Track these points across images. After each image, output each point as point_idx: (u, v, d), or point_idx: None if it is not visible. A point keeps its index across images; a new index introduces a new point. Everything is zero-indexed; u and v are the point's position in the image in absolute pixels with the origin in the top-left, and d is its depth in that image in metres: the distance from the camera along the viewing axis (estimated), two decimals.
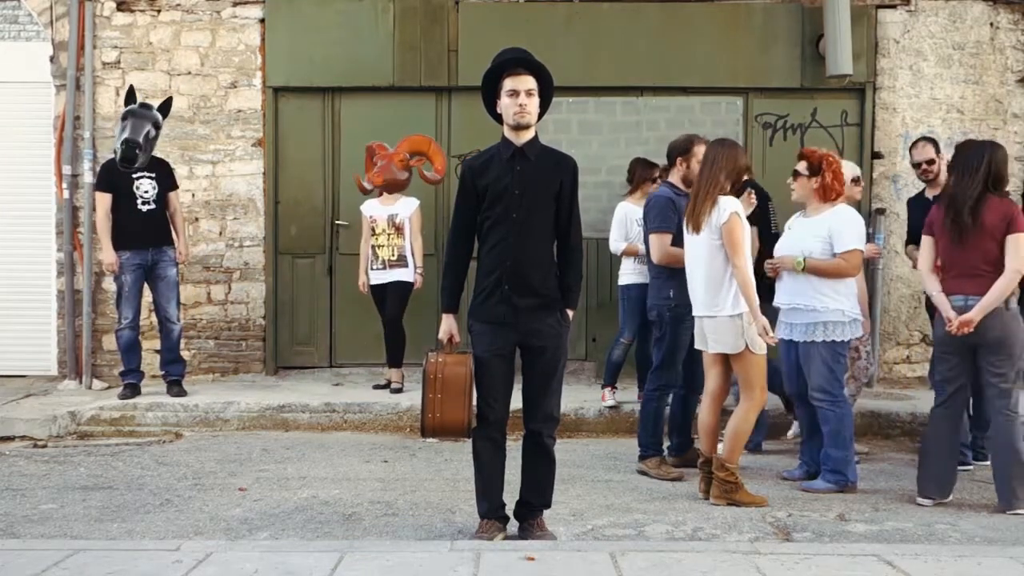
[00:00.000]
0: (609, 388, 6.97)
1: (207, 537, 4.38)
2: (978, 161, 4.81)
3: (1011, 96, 8.10)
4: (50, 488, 5.32)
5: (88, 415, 6.90)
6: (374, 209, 7.38)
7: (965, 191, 4.80)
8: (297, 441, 6.54)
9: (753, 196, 5.68)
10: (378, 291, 7.38)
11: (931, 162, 6.09)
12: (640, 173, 7.06)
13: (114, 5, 8.12)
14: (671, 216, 5.44)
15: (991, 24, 8.08)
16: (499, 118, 4.25)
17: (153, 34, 8.17)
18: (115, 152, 7.09)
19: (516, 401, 4.29)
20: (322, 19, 8.09)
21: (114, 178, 7.12)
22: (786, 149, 7.90)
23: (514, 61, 4.19)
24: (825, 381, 5.22)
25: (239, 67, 8.17)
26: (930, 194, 6.08)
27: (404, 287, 7.28)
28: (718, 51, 8.03)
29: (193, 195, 8.14)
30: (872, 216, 7.60)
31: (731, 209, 4.83)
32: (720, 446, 5.05)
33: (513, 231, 4.15)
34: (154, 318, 7.53)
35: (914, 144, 6.36)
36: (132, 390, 7.20)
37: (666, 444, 5.79)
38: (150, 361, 7.75)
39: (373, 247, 7.33)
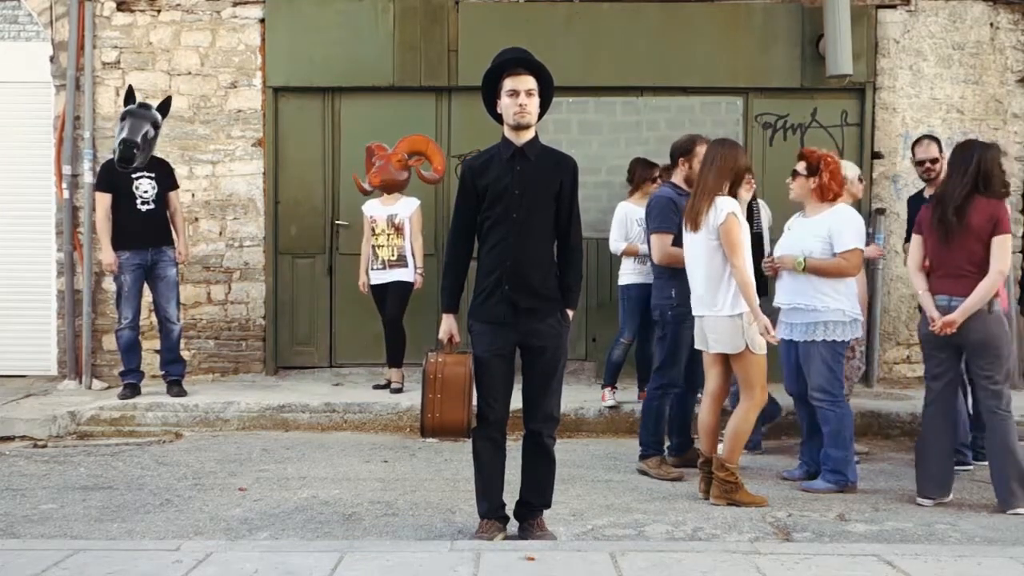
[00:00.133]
0: (609, 388, 6.97)
1: (207, 537, 4.38)
2: (968, 162, 4.83)
3: (1011, 96, 8.10)
4: (50, 488, 5.32)
5: (88, 415, 6.90)
6: (374, 209, 7.38)
7: (953, 191, 4.83)
8: (297, 441, 6.54)
9: (753, 181, 5.69)
10: (378, 291, 7.38)
11: (934, 161, 6.10)
12: (640, 173, 7.06)
13: (114, 5, 8.12)
14: (672, 216, 5.44)
15: (991, 24, 8.08)
16: (499, 118, 4.25)
17: (153, 34, 8.17)
18: (114, 152, 7.09)
19: (516, 401, 4.29)
20: (322, 19, 8.09)
21: (114, 178, 7.12)
22: (786, 149, 7.90)
23: (514, 61, 4.19)
24: (825, 381, 5.22)
25: (239, 67, 8.17)
26: (929, 193, 6.09)
27: (404, 287, 7.28)
28: (718, 51, 8.03)
29: (193, 195, 8.14)
30: (872, 216, 7.60)
31: (728, 209, 4.83)
32: (720, 446, 5.05)
33: (513, 231, 4.15)
34: (154, 318, 7.52)
35: (917, 141, 6.36)
36: (132, 390, 7.20)
37: (666, 444, 5.79)
38: (150, 361, 7.75)
39: (373, 247, 7.33)
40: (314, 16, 8.10)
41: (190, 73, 8.18)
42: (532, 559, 3.68)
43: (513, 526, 4.37)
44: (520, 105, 4.12)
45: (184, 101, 8.11)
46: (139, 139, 6.96)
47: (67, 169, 8.03)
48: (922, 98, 8.09)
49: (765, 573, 3.54)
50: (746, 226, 4.94)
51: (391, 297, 7.28)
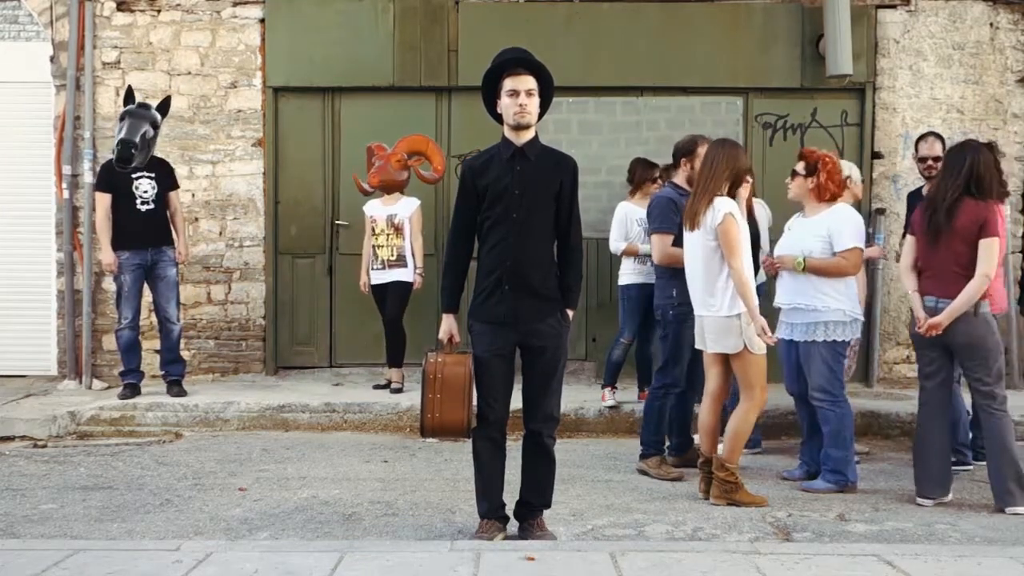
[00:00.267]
0: (609, 388, 6.97)
1: (207, 537, 4.38)
2: (960, 164, 4.85)
3: (1011, 96, 8.10)
4: (50, 488, 5.32)
5: (88, 415, 6.90)
6: (375, 209, 7.39)
7: (944, 193, 4.85)
8: (297, 441, 6.54)
9: (751, 181, 5.70)
10: (379, 291, 7.38)
11: (937, 159, 6.09)
12: (640, 173, 7.06)
13: (114, 5, 8.12)
14: (672, 217, 5.44)
15: (991, 24, 8.08)
16: (499, 118, 4.25)
17: (153, 34, 8.17)
18: (113, 152, 7.09)
19: (516, 401, 4.29)
20: (322, 19, 8.09)
21: (113, 178, 7.11)
22: (786, 149, 7.90)
23: (514, 61, 4.19)
24: (825, 381, 5.22)
25: (239, 67, 8.17)
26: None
27: (403, 287, 7.28)
28: (718, 51, 8.03)
29: (193, 195, 8.14)
30: (872, 216, 7.60)
31: (726, 210, 4.83)
32: (720, 446, 5.05)
33: (513, 231, 4.15)
34: (154, 318, 7.52)
35: (922, 137, 6.35)
36: (132, 390, 7.19)
37: (666, 444, 5.79)
38: (150, 361, 7.75)
39: (373, 247, 7.33)
40: (314, 16, 8.10)
41: (190, 73, 8.18)
42: (532, 559, 3.68)
43: (513, 526, 4.37)
44: (520, 105, 4.12)
45: (184, 101, 8.11)
46: (137, 139, 6.96)
47: (67, 169, 8.03)
48: (922, 98, 8.09)
49: (765, 573, 3.54)
50: (745, 227, 4.94)
51: (391, 297, 7.29)
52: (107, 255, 7.16)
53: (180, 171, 7.77)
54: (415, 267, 7.30)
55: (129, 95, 7.23)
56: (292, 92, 8.25)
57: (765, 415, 5.96)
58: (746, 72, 8.08)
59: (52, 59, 8.14)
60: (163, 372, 7.35)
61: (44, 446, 6.44)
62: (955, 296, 4.77)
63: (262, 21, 8.15)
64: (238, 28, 8.16)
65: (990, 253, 4.74)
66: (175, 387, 7.22)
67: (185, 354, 7.69)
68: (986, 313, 4.82)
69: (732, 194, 4.94)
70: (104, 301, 8.08)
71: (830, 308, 5.20)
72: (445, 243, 4.82)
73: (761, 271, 5.71)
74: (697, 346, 5.16)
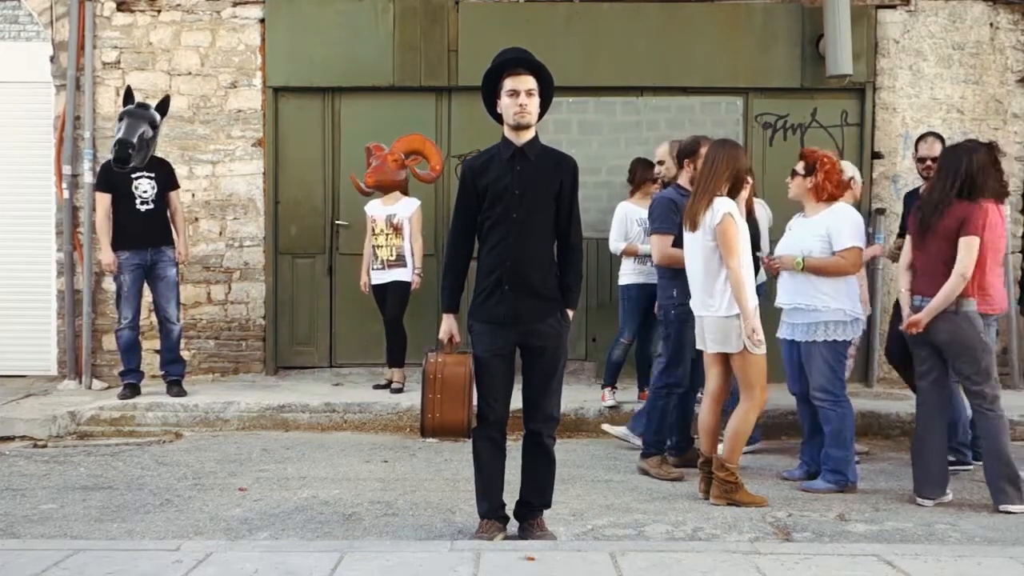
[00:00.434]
0: (609, 388, 6.97)
1: (207, 537, 4.38)
2: (953, 166, 4.89)
3: (1011, 96, 8.10)
4: (50, 488, 5.32)
5: (88, 415, 6.90)
6: (375, 209, 7.39)
7: (935, 193, 4.91)
8: (297, 441, 6.54)
9: (751, 181, 5.71)
10: (379, 291, 7.38)
11: (935, 160, 6.10)
12: (641, 173, 7.06)
13: (114, 5, 8.12)
14: (673, 217, 5.44)
15: (991, 24, 8.08)
16: (499, 118, 4.25)
17: (153, 34, 8.17)
18: (111, 152, 7.09)
19: (516, 401, 4.29)
20: (322, 19, 8.09)
21: (113, 178, 7.11)
22: (786, 149, 7.91)
23: (514, 61, 4.19)
24: (827, 381, 5.22)
25: (239, 67, 8.18)
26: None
27: (403, 287, 7.28)
28: (718, 51, 8.03)
29: (193, 195, 8.14)
30: (872, 216, 7.61)
31: (725, 210, 4.82)
32: (720, 446, 5.05)
33: (513, 231, 4.15)
34: (154, 318, 7.53)
35: (922, 137, 6.37)
36: (132, 390, 7.20)
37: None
38: (150, 361, 7.75)
39: (373, 247, 7.34)
40: (314, 16, 8.10)
41: (190, 73, 8.18)
42: (532, 559, 3.68)
43: (513, 526, 4.37)
44: (520, 105, 4.12)
45: (184, 101, 8.12)
46: (135, 139, 6.95)
47: (67, 169, 8.03)
48: (922, 98, 8.10)
49: (765, 573, 3.54)
50: (745, 227, 4.94)
51: (390, 297, 7.29)
52: (107, 255, 7.16)
53: (180, 171, 7.77)
54: (414, 267, 7.30)
55: (128, 95, 7.23)
56: (292, 92, 8.25)
57: (765, 415, 5.97)
58: (746, 72, 8.08)
59: (52, 59, 8.14)
60: (163, 372, 7.36)
61: (44, 446, 6.44)
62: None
63: (262, 21, 8.15)
64: (238, 28, 8.16)
65: (967, 251, 4.76)
66: (175, 387, 7.22)
67: (185, 354, 7.69)
68: (969, 312, 4.83)
69: (732, 195, 4.94)
70: (104, 301, 8.08)
71: (830, 308, 5.20)
72: (445, 243, 4.83)
73: (761, 271, 5.71)
74: (697, 346, 5.16)
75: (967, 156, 4.89)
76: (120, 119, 7.08)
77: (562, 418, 4.60)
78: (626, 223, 6.90)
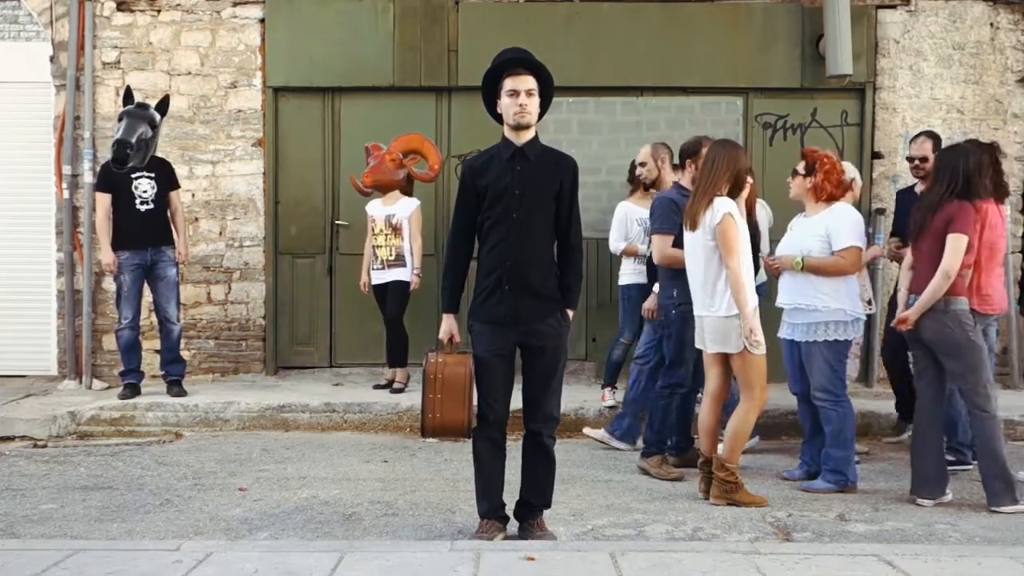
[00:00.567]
0: (609, 388, 6.97)
1: (207, 537, 4.38)
2: (948, 168, 4.92)
3: (1011, 96, 8.10)
4: (50, 488, 5.32)
5: (88, 415, 6.90)
6: (375, 209, 7.39)
7: (932, 196, 4.94)
8: (297, 441, 6.54)
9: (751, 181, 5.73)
10: (379, 291, 7.39)
11: (924, 159, 6.12)
12: None
13: (114, 5, 8.12)
14: (673, 218, 5.44)
15: (991, 24, 8.08)
16: (499, 118, 4.25)
17: (153, 34, 8.17)
18: (109, 152, 7.10)
19: (516, 401, 4.29)
20: (322, 19, 8.09)
21: (113, 178, 7.11)
22: (786, 149, 7.92)
23: (514, 61, 4.19)
24: (827, 381, 5.23)
25: (239, 67, 8.18)
26: (920, 189, 6.14)
27: (403, 287, 7.28)
28: (718, 51, 8.03)
29: (193, 195, 8.14)
30: (872, 216, 7.61)
31: (725, 210, 4.83)
32: (720, 446, 5.05)
33: (513, 231, 4.15)
34: (154, 318, 7.53)
35: (914, 138, 6.40)
36: (132, 390, 7.20)
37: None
38: (150, 361, 7.75)
39: (373, 247, 7.34)
40: (314, 16, 8.10)
41: (190, 73, 8.18)
42: (532, 559, 3.68)
43: (513, 526, 4.37)
44: (520, 105, 4.12)
45: (184, 101, 8.12)
46: (133, 140, 6.93)
47: (67, 169, 8.03)
48: (922, 98, 8.10)
49: (765, 573, 3.55)
50: (744, 227, 4.94)
51: (390, 297, 7.29)
52: (107, 255, 7.16)
53: (180, 171, 7.76)
54: (413, 267, 7.29)
55: (128, 95, 7.23)
56: (292, 92, 8.25)
57: (765, 415, 5.97)
58: (746, 72, 8.08)
59: (52, 59, 8.14)
60: (163, 372, 7.36)
61: (44, 446, 6.44)
62: None
63: (262, 21, 8.15)
64: (238, 28, 8.16)
65: (952, 249, 4.78)
66: (175, 387, 7.22)
67: (185, 354, 7.69)
68: (958, 310, 4.84)
69: (733, 195, 4.94)
70: (104, 301, 8.08)
71: (830, 308, 5.20)
72: (445, 243, 4.83)
73: (762, 271, 5.71)
74: (697, 346, 5.16)
75: (963, 157, 4.92)
76: (119, 119, 7.08)
77: (562, 418, 4.60)
78: (626, 223, 6.90)
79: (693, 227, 4.95)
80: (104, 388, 7.80)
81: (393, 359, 7.44)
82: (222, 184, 8.21)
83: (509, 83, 4.14)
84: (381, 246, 7.29)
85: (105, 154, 7.72)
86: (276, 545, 4.05)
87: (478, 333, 4.25)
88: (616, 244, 6.95)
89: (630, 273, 6.89)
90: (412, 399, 6.82)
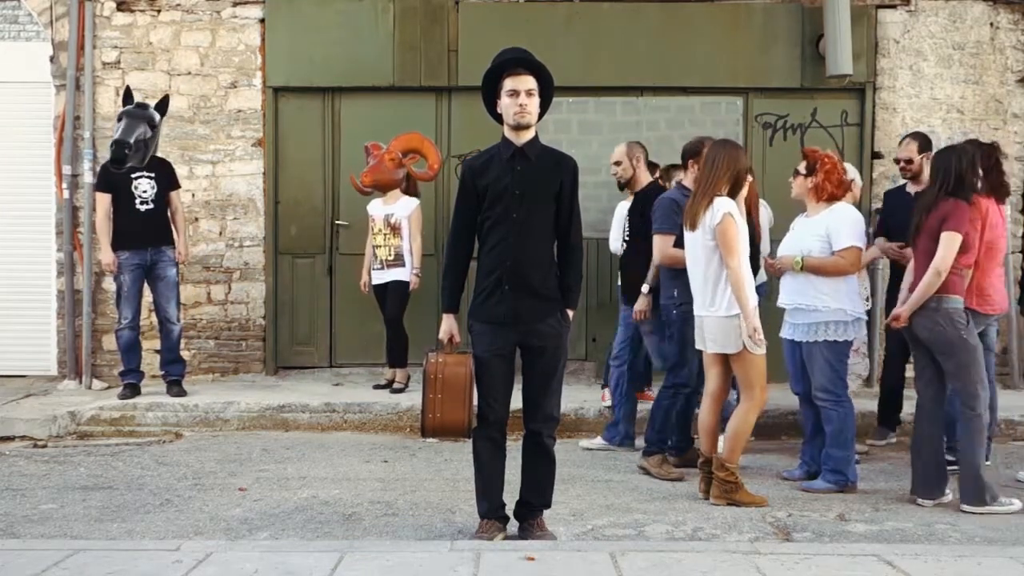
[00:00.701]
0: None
1: (207, 537, 4.38)
2: (943, 167, 4.94)
3: (1011, 96, 8.10)
4: (50, 488, 5.32)
5: (88, 415, 6.90)
6: (375, 209, 7.40)
7: (928, 196, 4.97)
8: (297, 441, 6.54)
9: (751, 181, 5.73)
10: (379, 291, 7.39)
11: (909, 161, 6.16)
12: None
13: (114, 5, 8.12)
14: (674, 218, 5.45)
15: (991, 24, 8.08)
16: (499, 118, 4.25)
17: (153, 34, 8.17)
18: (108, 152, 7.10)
19: (516, 401, 4.29)
20: (322, 19, 8.09)
21: (113, 178, 7.11)
22: (786, 149, 7.92)
23: (514, 61, 4.19)
24: (828, 381, 5.23)
25: (239, 67, 8.18)
26: (912, 189, 6.15)
27: (402, 287, 7.28)
28: (718, 51, 8.03)
29: (193, 195, 8.14)
30: (872, 216, 7.60)
31: (725, 210, 4.83)
32: (720, 446, 5.05)
33: (513, 231, 4.15)
34: (154, 318, 7.53)
35: (901, 140, 6.43)
36: (132, 390, 7.19)
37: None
38: (150, 361, 7.75)
39: (373, 247, 7.34)
40: (314, 16, 8.10)
41: (190, 73, 8.18)
42: (532, 559, 3.68)
43: (513, 526, 4.37)
44: (520, 105, 4.12)
45: (184, 101, 8.12)
46: (132, 140, 6.93)
47: (67, 169, 8.03)
48: (922, 98, 8.10)
49: (765, 573, 3.54)
50: (744, 227, 4.94)
51: (390, 297, 7.29)
52: (106, 255, 7.16)
53: (180, 171, 7.76)
54: (412, 267, 7.29)
55: (128, 95, 7.23)
56: (292, 92, 8.25)
57: (765, 415, 5.96)
58: (746, 72, 8.08)
59: (52, 59, 8.14)
60: (163, 372, 7.36)
61: (44, 446, 6.44)
62: None
63: (262, 21, 8.15)
64: (238, 28, 8.16)
65: (944, 247, 4.80)
66: (175, 387, 7.22)
67: (185, 354, 7.69)
68: (951, 309, 4.85)
69: (733, 195, 4.94)
70: (104, 301, 8.08)
71: (831, 308, 5.20)
72: (445, 243, 4.83)
73: (762, 271, 5.71)
74: (697, 346, 5.16)
75: (955, 156, 4.95)
76: (119, 119, 7.08)
77: (562, 418, 4.60)
78: (626, 223, 6.89)
79: (693, 227, 4.95)
80: (104, 388, 7.80)
81: (393, 359, 7.44)
82: (222, 184, 8.21)
83: (509, 83, 4.14)
84: (380, 246, 7.29)
85: (105, 154, 7.71)
86: (276, 545, 4.06)
87: (478, 333, 4.25)
88: (616, 244, 6.95)
89: None
90: (412, 399, 6.82)
